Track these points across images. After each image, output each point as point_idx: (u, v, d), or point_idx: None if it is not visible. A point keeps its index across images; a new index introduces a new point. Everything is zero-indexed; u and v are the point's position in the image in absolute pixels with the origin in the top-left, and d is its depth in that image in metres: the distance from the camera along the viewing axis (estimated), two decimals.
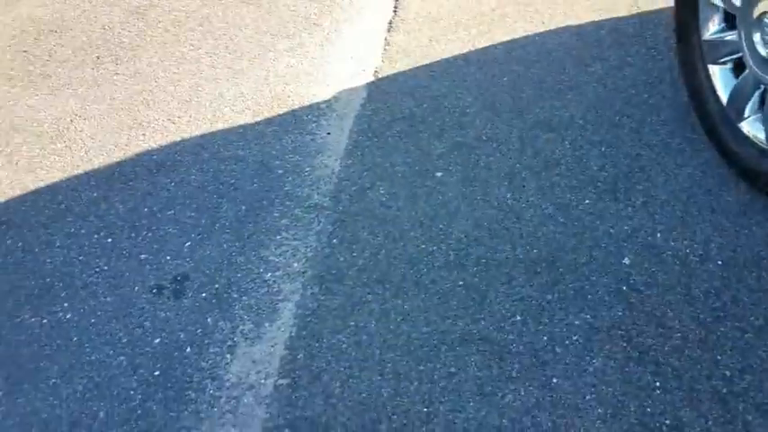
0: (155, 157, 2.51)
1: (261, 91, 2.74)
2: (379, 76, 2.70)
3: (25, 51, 3.16)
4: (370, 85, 2.66)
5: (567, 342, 1.70)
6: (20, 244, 2.21)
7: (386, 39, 2.88)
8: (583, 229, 1.98)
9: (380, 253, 2.01)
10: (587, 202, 2.06)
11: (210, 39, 3.09)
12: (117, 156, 2.52)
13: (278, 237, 2.14)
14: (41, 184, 2.44)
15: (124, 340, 1.87)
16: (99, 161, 2.51)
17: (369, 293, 1.91)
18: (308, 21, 3.10)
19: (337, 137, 2.48)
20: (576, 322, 1.74)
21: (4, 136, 2.67)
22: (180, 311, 1.94)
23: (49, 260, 2.14)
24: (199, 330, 1.89)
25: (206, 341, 1.86)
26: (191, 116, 2.67)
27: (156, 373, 1.79)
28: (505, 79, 2.55)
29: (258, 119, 2.62)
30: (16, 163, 2.54)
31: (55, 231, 2.24)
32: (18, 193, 2.41)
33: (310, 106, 2.63)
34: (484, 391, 1.63)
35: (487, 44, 2.74)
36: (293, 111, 2.63)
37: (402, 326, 1.81)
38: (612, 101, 2.39)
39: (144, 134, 2.61)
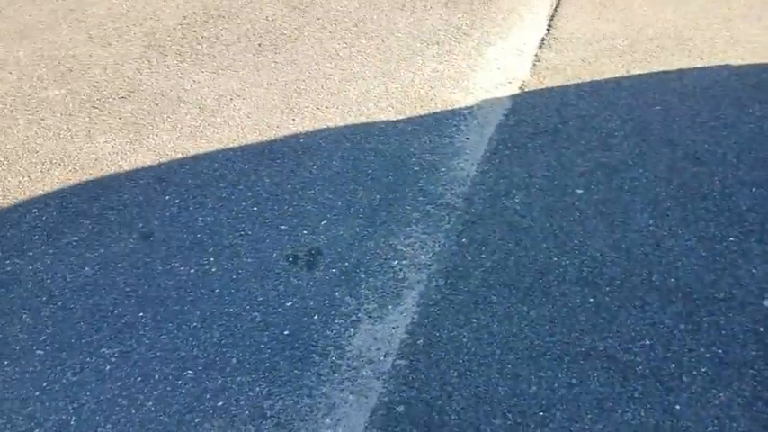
0: (301, 140, 2.67)
1: (406, 92, 2.85)
2: (526, 90, 2.74)
3: (194, 32, 3.46)
4: (515, 98, 2.71)
5: (694, 372, 1.66)
6: (177, 201, 2.42)
7: (536, 55, 2.92)
8: (724, 265, 1.91)
9: (510, 258, 2.04)
10: (731, 239, 1.99)
11: (363, 39, 3.25)
12: (268, 135, 2.71)
13: (408, 228, 2.22)
14: (200, 151, 2.66)
15: (260, 299, 2.01)
16: (252, 138, 2.71)
17: (494, 295, 1.94)
18: (459, 30, 3.19)
19: (476, 143, 2.54)
20: (707, 355, 1.69)
21: (171, 105, 2.94)
22: (311, 281, 2.06)
23: (200, 218, 2.33)
24: (326, 301, 2.00)
25: (332, 312, 1.96)
26: (337, 107, 2.82)
27: (286, 332, 1.91)
28: (657, 108, 2.52)
29: (400, 117, 2.72)
30: (180, 130, 2.78)
31: (208, 194, 2.44)
32: (179, 156, 2.65)
33: (452, 111, 2.71)
34: (603, 406, 1.62)
35: (642, 72, 2.72)
36: (435, 113, 2.72)
37: (525, 331, 1.83)
38: None
39: (294, 119, 2.79)
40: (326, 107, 2.83)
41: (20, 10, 3.82)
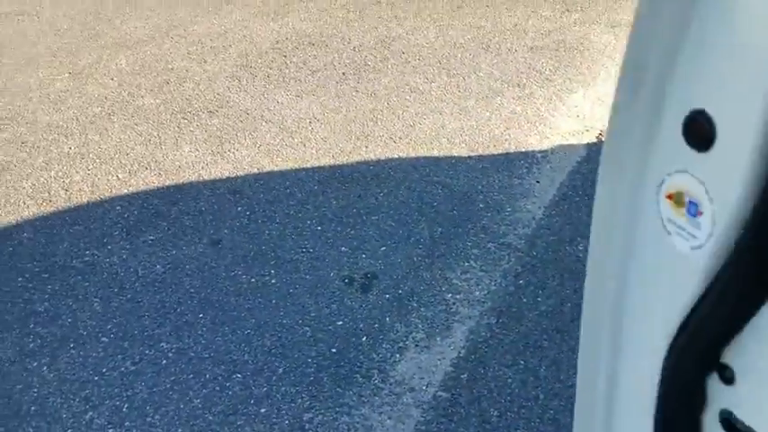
0: (372, 167, 2.74)
1: (480, 130, 2.89)
2: (603, 139, 2.72)
3: (284, 56, 3.63)
4: (591, 146, 2.69)
5: None
6: (247, 213, 2.53)
7: None
8: None
9: (566, 305, 2.01)
10: None
11: (444, 76, 3.32)
12: (341, 159, 2.80)
13: (465, 264, 2.23)
14: (275, 168, 2.77)
15: (312, 314, 2.07)
16: (325, 161, 2.80)
17: (545, 339, 1.92)
18: (541, 75, 3.21)
19: (546, 186, 2.53)
20: None
21: (254, 122, 3.08)
22: (364, 304, 2.10)
23: (267, 231, 2.42)
24: (376, 325, 2.03)
25: (380, 337, 1.99)
26: (410, 139, 2.89)
27: (333, 350, 1.95)
28: None
29: (472, 154, 2.75)
30: (258, 147, 2.92)
31: (277, 209, 2.53)
32: (255, 171, 2.77)
33: (525, 153, 2.72)
34: None
35: None
36: (507, 153, 2.73)
37: (573, 378, 1.79)
38: None
39: (367, 146, 2.87)
40: (400, 138, 2.89)
41: (127, 22, 4.13)
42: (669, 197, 0.54)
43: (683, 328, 0.56)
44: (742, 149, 0.48)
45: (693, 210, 0.53)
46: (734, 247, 0.51)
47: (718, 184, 0.51)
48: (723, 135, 0.49)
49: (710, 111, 0.50)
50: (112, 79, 3.48)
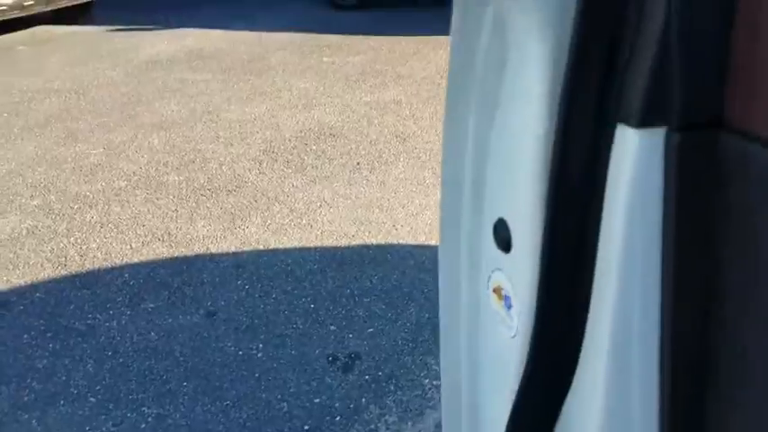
0: (371, 251, 2.86)
1: None
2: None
3: (305, 144, 3.85)
4: None
5: None
6: (246, 287, 2.65)
7: None
8: None
9: None
10: None
11: None
12: (343, 242, 2.93)
13: None
14: (279, 246, 2.91)
15: (292, 390, 2.13)
16: (329, 242, 2.93)
17: None
18: None
19: None
20: None
21: (267, 202, 3.26)
22: (343, 383, 2.15)
23: (262, 306, 2.53)
24: (352, 405, 2.07)
25: (354, 417, 2.03)
26: (411, 227, 3.01)
27: (306, 427, 1.99)
28: None
29: None
30: (268, 225, 3.08)
31: (275, 285, 2.65)
32: (260, 248, 2.91)
33: None
34: None
35: None
36: None
37: None
38: None
39: (369, 231, 3.00)
40: (402, 226, 3.02)
41: (165, 105, 4.46)
42: (494, 291, 0.62)
43: (511, 418, 0.58)
44: (527, 253, 0.54)
45: (508, 302, 0.59)
46: (530, 341, 0.55)
47: (517, 281, 0.57)
48: (516, 240, 0.56)
49: (508, 219, 0.57)
50: (143, 156, 3.74)
